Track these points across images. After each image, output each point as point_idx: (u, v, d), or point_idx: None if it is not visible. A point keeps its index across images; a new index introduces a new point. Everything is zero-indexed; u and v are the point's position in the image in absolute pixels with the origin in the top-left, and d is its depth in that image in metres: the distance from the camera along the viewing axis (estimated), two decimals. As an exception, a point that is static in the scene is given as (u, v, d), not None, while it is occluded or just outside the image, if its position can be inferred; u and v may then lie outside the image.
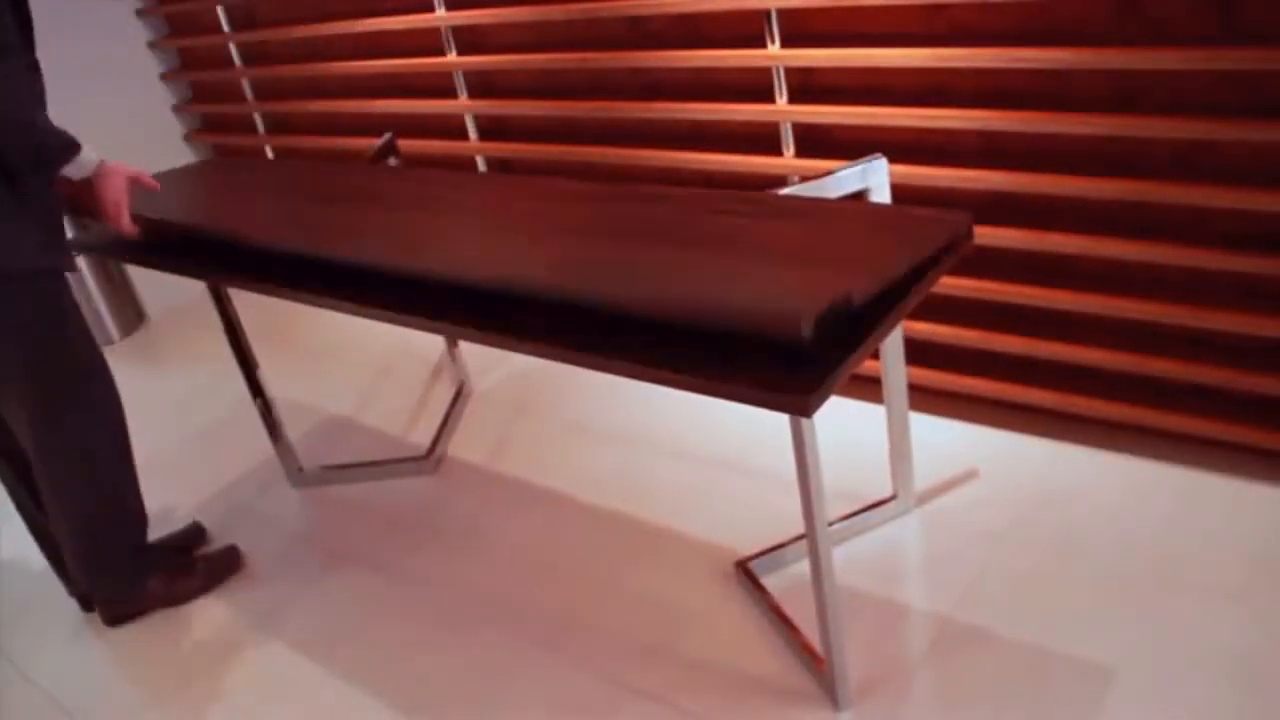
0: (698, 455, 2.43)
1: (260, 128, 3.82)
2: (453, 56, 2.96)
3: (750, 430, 2.46)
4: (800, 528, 2.05)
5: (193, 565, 2.34)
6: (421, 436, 2.74)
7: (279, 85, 3.73)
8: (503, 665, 1.96)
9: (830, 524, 2.05)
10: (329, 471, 2.66)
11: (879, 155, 1.81)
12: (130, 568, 2.24)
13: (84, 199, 2.08)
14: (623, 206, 1.81)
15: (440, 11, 2.90)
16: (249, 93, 3.78)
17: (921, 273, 1.47)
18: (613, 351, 1.45)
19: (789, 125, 2.36)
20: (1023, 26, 2.00)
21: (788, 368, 1.32)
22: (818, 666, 1.77)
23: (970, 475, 2.17)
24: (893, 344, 1.90)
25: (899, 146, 2.27)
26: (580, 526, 2.28)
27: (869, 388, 2.47)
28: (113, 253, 2.34)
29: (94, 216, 2.11)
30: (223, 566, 2.36)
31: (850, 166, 1.80)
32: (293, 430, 2.74)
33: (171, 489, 2.74)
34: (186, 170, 2.69)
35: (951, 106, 2.10)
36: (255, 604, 2.27)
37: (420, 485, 2.56)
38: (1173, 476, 2.05)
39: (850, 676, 1.76)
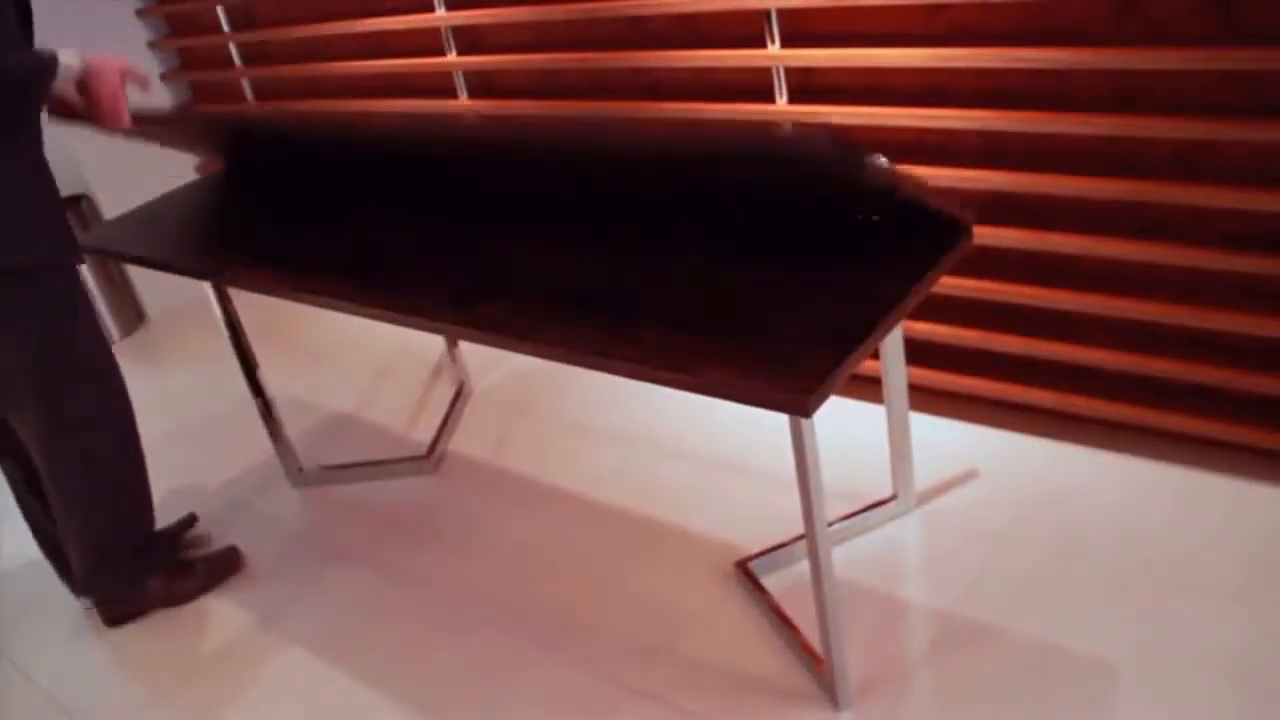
0: (698, 455, 2.43)
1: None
2: (453, 56, 2.96)
3: (750, 430, 2.46)
4: (800, 528, 2.05)
5: (192, 565, 2.34)
6: (421, 436, 2.74)
7: (279, 85, 3.73)
8: (503, 665, 1.96)
9: (830, 524, 2.05)
10: (329, 471, 2.66)
11: (879, 155, 1.80)
12: (131, 568, 2.25)
13: (76, 107, 1.95)
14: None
15: (440, 11, 2.90)
16: (249, 93, 3.78)
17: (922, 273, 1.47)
18: (613, 351, 1.45)
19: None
20: (1023, 26, 2.00)
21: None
22: (818, 666, 1.77)
23: (970, 475, 2.17)
24: (893, 344, 1.90)
25: (899, 146, 2.27)
26: (580, 526, 2.28)
27: (869, 388, 2.47)
28: (112, 254, 2.34)
29: (92, 120, 1.97)
30: (223, 567, 2.36)
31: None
32: (293, 430, 2.74)
33: (171, 489, 2.74)
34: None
35: (951, 106, 2.10)
36: (255, 604, 2.27)
37: (420, 485, 2.56)
38: (1173, 476, 2.05)
39: (850, 676, 1.76)
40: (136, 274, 3.82)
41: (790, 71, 2.32)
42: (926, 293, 1.49)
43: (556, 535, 2.27)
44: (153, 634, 2.25)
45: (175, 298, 3.87)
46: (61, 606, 2.37)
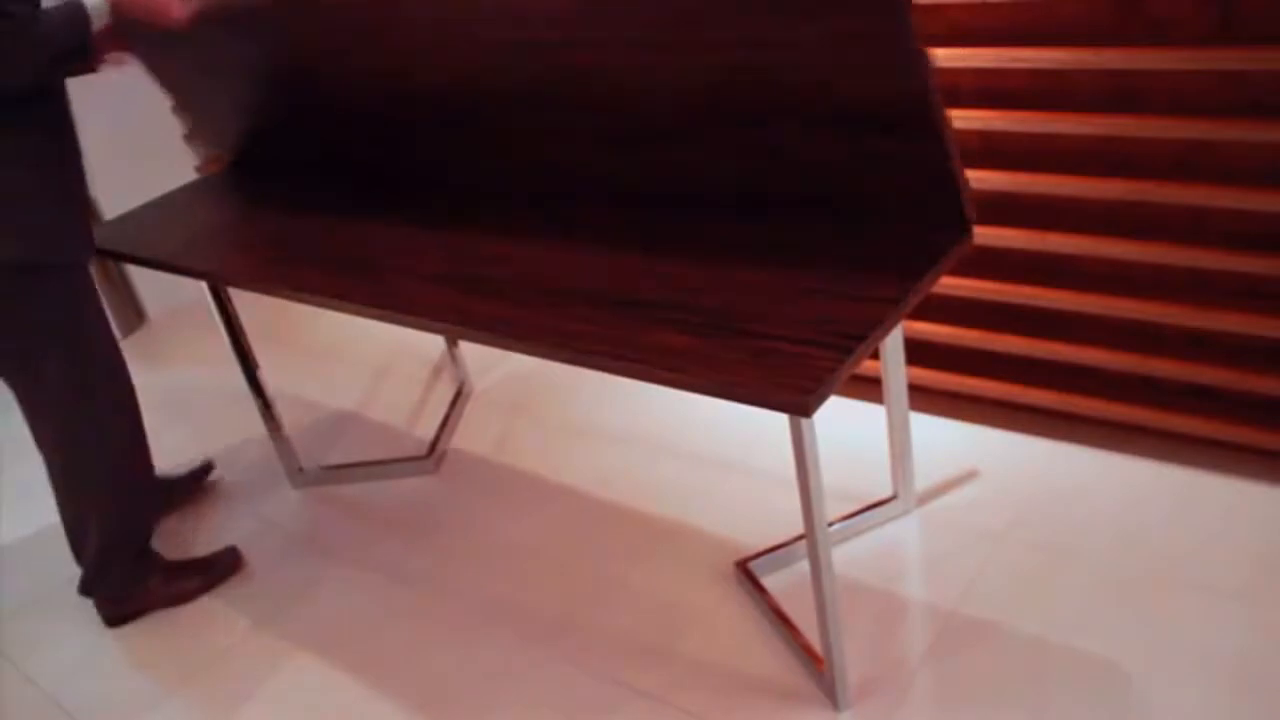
0: (698, 455, 2.43)
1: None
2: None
3: (750, 430, 2.46)
4: (800, 528, 2.05)
5: (192, 565, 2.34)
6: (422, 436, 2.74)
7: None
8: (502, 664, 1.96)
9: (830, 524, 2.05)
10: (329, 471, 2.66)
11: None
12: (134, 568, 2.25)
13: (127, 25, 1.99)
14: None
15: (440, 11, 2.89)
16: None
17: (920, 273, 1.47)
18: (613, 351, 1.45)
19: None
20: (1023, 26, 2.00)
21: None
22: (818, 666, 1.77)
23: (970, 475, 2.17)
24: (893, 344, 1.90)
25: (899, 146, 2.27)
26: (580, 526, 2.28)
27: (869, 388, 2.47)
28: (112, 254, 2.34)
29: (149, 26, 2.00)
30: (223, 567, 2.36)
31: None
32: (293, 430, 2.74)
33: (172, 489, 2.75)
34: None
35: (951, 106, 2.10)
36: (255, 604, 2.27)
37: (421, 485, 2.56)
38: (1173, 476, 2.05)
39: (850, 676, 1.76)
40: (136, 274, 3.82)
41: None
42: (926, 292, 1.49)
43: (556, 535, 2.27)
44: (153, 633, 2.25)
45: (175, 298, 3.87)
46: (61, 606, 2.37)
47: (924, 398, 2.40)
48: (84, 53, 1.92)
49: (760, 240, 1.62)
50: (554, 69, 1.78)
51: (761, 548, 2.07)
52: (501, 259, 1.78)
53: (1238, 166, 1.88)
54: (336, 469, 2.66)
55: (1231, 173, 1.88)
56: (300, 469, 2.65)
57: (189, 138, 4.11)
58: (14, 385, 2.04)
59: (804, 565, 2.00)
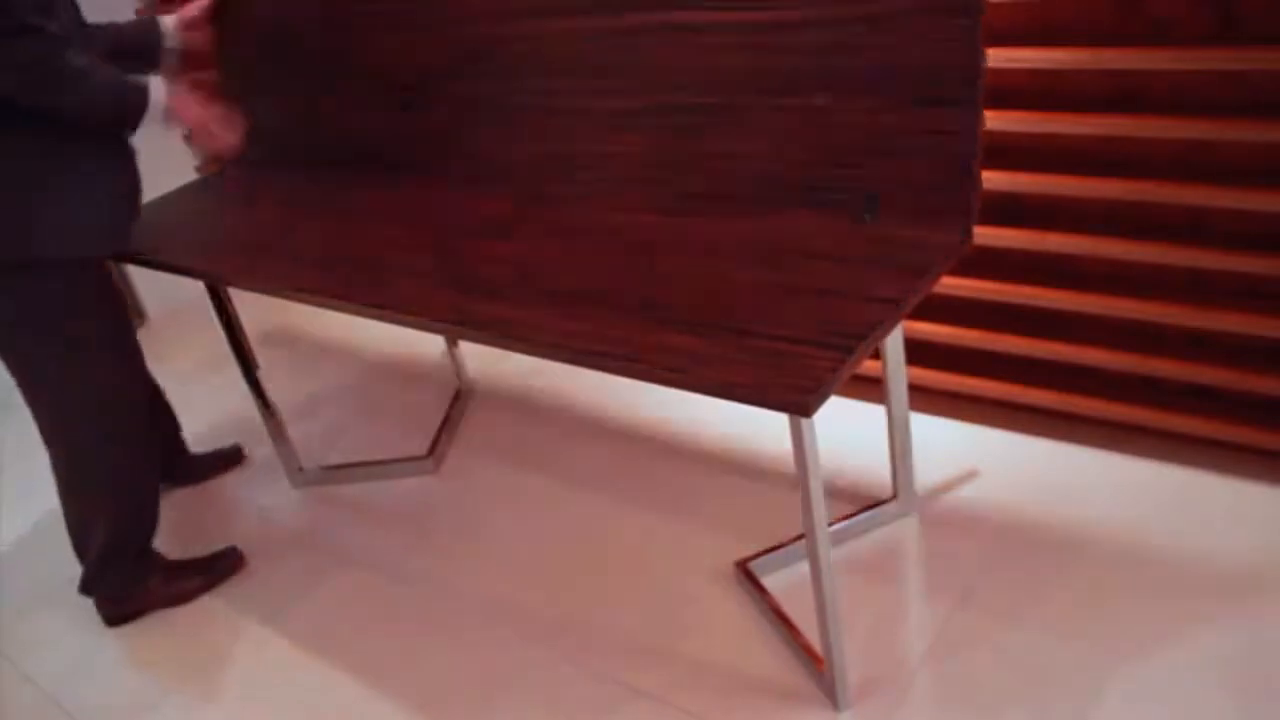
0: (698, 455, 2.43)
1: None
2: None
3: (750, 430, 2.46)
4: (800, 528, 2.05)
5: (192, 565, 2.34)
6: (422, 436, 2.74)
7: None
8: (502, 664, 1.96)
9: (830, 524, 2.05)
10: (329, 471, 2.66)
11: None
12: (134, 568, 2.25)
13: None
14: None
15: (440, 11, 2.89)
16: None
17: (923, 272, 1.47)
18: (613, 351, 1.45)
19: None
20: (1023, 26, 2.00)
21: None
22: (818, 666, 1.77)
23: (970, 475, 2.17)
24: (893, 344, 1.90)
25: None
26: (580, 526, 2.28)
27: (869, 388, 2.47)
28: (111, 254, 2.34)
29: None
30: (223, 567, 2.36)
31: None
32: (293, 430, 2.74)
33: (171, 488, 2.74)
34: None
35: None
36: (255, 604, 2.27)
37: (420, 485, 2.56)
38: (1173, 476, 2.05)
39: (850, 676, 1.76)
40: (136, 274, 3.81)
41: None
42: (927, 292, 1.49)
43: (556, 535, 2.27)
44: (153, 633, 2.25)
45: (175, 298, 3.87)
46: (61, 606, 2.37)
47: (924, 398, 2.39)
48: (121, 126, 2.00)
49: (761, 240, 1.62)
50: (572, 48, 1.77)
51: (761, 548, 2.07)
52: (501, 259, 1.78)
53: (1238, 166, 1.88)
54: (336, 469, 2.66)
55: (1231, 173, 1.87)
56: (300, 469, 2.65)
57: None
58: (18, 382, 2.05)
59: (804, 565, 2.00)
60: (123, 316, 2.14)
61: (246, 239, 2.15)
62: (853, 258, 1.52)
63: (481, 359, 3.04)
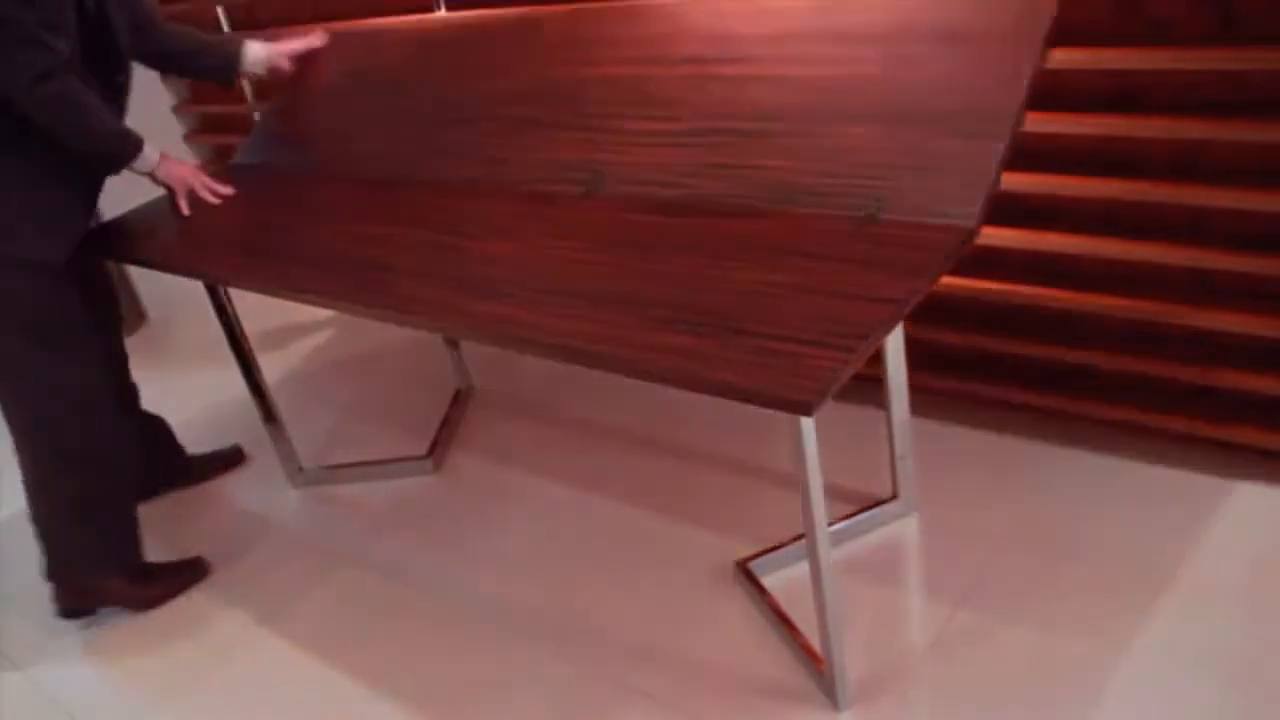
0: (698, 454, 2.43)
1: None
2: (453, 56, 2.96)
3: (750, 430, 2.46)
4: (800, 528, 2.05)
5: (158, 571, 2.34)
6: (422, 436, 2.74)
7: (279, 85, 3.72)
8: (502, 665, 1.96)
9: (831, 524, 2.05)
10: (329, 471, 2.66)
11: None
12: (97, 565, 2.24)
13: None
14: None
15: (441, 12, 2.89)
16: (248, 93, 3.78)
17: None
18: (613, 351, 1.45)
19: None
20: (1023, 26, 2.00)
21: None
22: (818, 666, 1.77)
23: (970, 476, 2.17)
24: (894, 344, 1.90)
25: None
26: (580, 526, 2.28)
27: (869, 388, 2.47)
28: (112, 254, 2.34)
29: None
30: (188, 575, 2.35)
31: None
32: (293, 430, 2.74)
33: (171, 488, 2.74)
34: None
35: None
36: (255, 604, 2.27)
37: (421, 485, 2.56)
38: (1173, 477, 2.05)
39: (850, 676, 1.76)
40: (136, 274, 3.82)
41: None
42: (927, 292, 1.49)
43: (556, 535, 2.27)
44: (153, 634, 2.25)
45: (175, 298, 3.87)
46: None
47: (924, 398, 2.39)
48: (105, 165, 2.18)
49: (761, 240, 1.62)
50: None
51: (761, 548, 2.07)
52: (501, 259, 1.78)
53: (1238, 166, 1.88)
54: (336, 469, 2.66)
55: (1231, 173, 1.87)
56: (300, 469, 2.65)
57: (189, 137, 4.11)
58: None
59: (804, 565, 2.00)
60: (88, 319, 2.15)
61: (246, 239, 2.15)
62: (853, 258, 1.51)
63: (482, 358, 3.04)
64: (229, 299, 2.44)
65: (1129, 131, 1.90)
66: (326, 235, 2.05)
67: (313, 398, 3.08)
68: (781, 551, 2.04)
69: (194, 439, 2.86)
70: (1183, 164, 1.94)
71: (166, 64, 2.44)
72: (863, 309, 1.40)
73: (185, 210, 2.30)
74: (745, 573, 2.02)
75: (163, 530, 2.58)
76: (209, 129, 4.11)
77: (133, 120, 2.23)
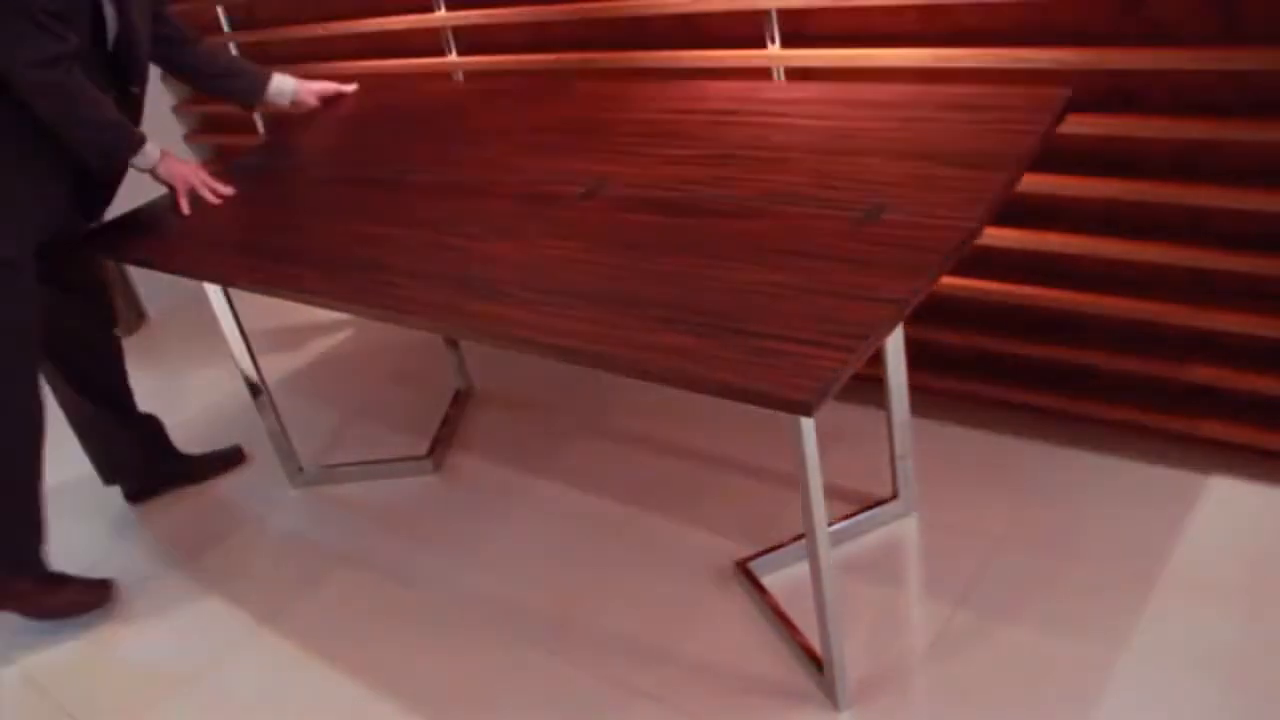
0: (698, 454, 2.43)
1: (260, 128, 3.82)
2: (454, 57, 2.96)
3: (750, 430, 2.46)
4: (800, 528, 2.05)
5: (66, 582, 2.31)
6: (422, 436, 2.74)
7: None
8: (502, 665, 1.96)
9: (831, 524, 2.05)
10: (329, 471, 2.66)
11: (879, 155, 1.80)
12: (11, 564, 2.23)
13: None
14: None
15: (441, 11, 2.90)
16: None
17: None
18: (613, 351, 1.45)
19: (789, 125, 2.36)
20: (1023, 26, 2.00)
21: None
22: (818, 666, 1.77)
23: (970, 476, 2.17)
24: (894, 343, 1.90)
25: (899, 146, 2.27)
26: (580, 526, 2.28)
27: (869, 388, 2.47)
28: (112, 254, 2.34)
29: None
30: (95, 595, 2.32)
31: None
32: (293, 430, 2.74)
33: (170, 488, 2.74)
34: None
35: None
36: (255, 604, 2.27)
37: (420, 485, 2.56)
38: (1173, 477, 2.05)
39: (850, 676, 1.76)
40: (136, 274, 3.82)
41: (790, 71, 2.32)
42: (927, 292, 1.49)
43: (556, 535, 2.27)
44: (152, 634, 2.25)
45: (175, 298, 3.87)
46: (61, 606, 2.37)
47: (924, 398, 2.40)
48: (104, 159, 2.18)
49: (761, 240, 1.62)
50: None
51: (761, 548, 2.07)
52: (501, 259, 1.78)
53: (1238, 166, 1.88)
54: (336, 469, 2.66)
55: (1231, 173, 1.88)
56: (300, 469, 2.65)
57: (189, 137, 4.11)
58: None
59: (804, 565, 2.00)
60: (23, 321, 2.14)
61: (246, 239, 2.15)
62: (853, 258, 1.52)
63: (482, 358, 3.04)
64: (229, 299, 2.44)
65: (1129, 131, 1.90)
66: (326, 235, 2.05)
67: (313, 398, 3.08)
68: (781, 551, 2.05)
69: (194, 439, 2.86)
70: (1183, 164, 1.94)
71: (191, 80, 2.49)
72: (863, 309, 1.40)
73: (186, 209, 2.30)
74: (745, 573, 2.02)
75: (163, 530, 2.58)
76: (209, 129, 4.11)
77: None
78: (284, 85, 2.52)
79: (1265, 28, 1.75)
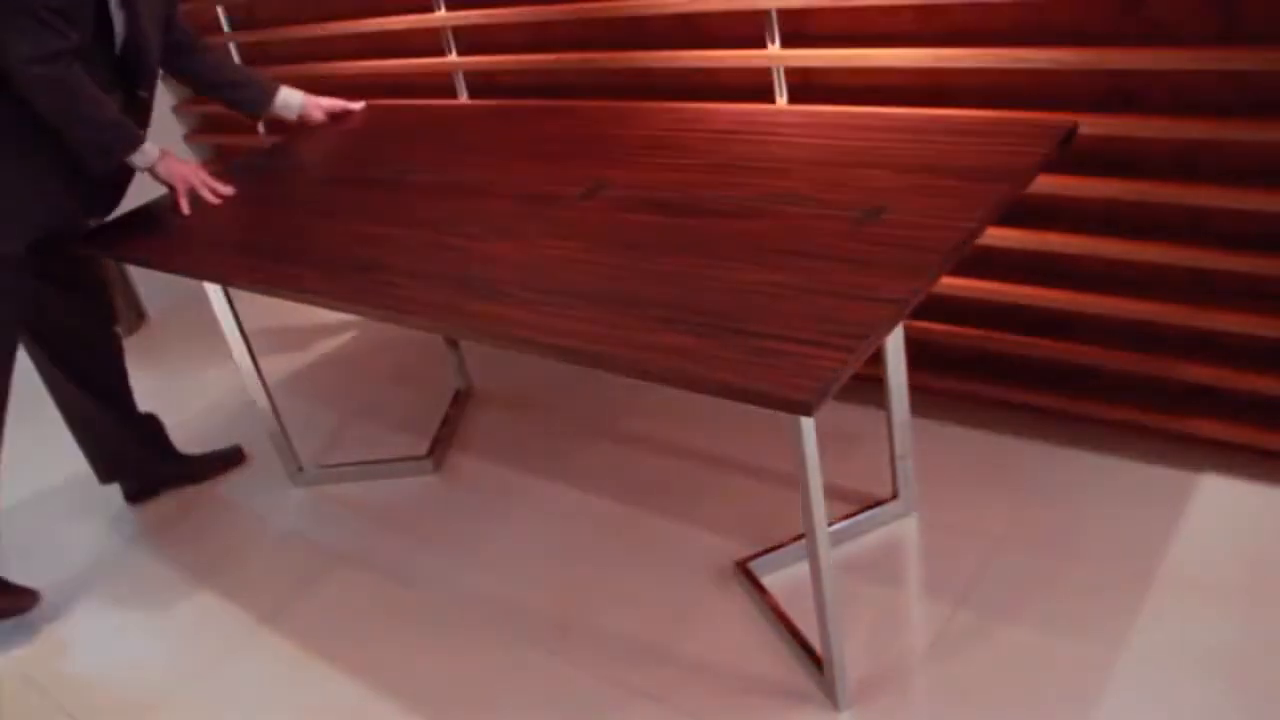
0: (698, 454, 2.43)
1: (260, 128, 3.82)
2: (453, 57, 2.96)
3: (750, 430, 2.46)
4: (800, 528, 2.05)
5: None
6: (422, 436, 2.74)
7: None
8: (502, 665, 1.96)
9: (831, 524, 2.05)
10: (329, 471, 2.66)
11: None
12: None
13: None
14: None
15: (441, 11, 2.90)
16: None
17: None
18: (613, 351, 1.45)
19: (789, 125, 2.36)
20: (1023, 26, 2.00)
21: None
22: (818, 666, 1.77)
23: (971, 476, 2.17)
24: (894, 343, 1.90)
25: (899, 146, 2.27)
26: (580, 526, 2.28)
27: (869, 388, 2.47)
28: (112, 254, 2.34)
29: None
30: (13, 603, 2.30)
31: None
32: (293, 430, 2.74)
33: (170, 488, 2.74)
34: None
35: (952, 106, 2.10)
36: (255, 603, 2.27)
37: (420, 485, 2.56)
38: (1173, 476, 2.05)
39: (850, 676, 1.76)
40: (136, 274, 3.82)
41: (790, 72, 2.32)
42: (927, 292, 1.49)
43: (556, 535, 2.27)
44: (151, 633, 2.25)
45: (175, 298, 3.87)
46: (60, 605, 2.37)
47: (924, 398, 2.40)
48: (102, 156, 2.16)
49: (761, 240, 1.62)
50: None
51: (761, 548, 2.07)
52: (501, 259, 1.78)
53: (1238, 166, 1.88)
54: (336, 469, 2.66)
55: (1231, 173, 1.88)
56: (300, 469, 2.65)
57: (189, 137, 4.11)
58: None
59: (804, 565, 2.00)
60: (10, 320, 2.17)
61: (246, 239, 2.15)
62: (853, 258, 1.52)
63: (482, 358, 3.04)
64: (230, 299, 2.44)
65: (1129, 131, 1.90)
66: (326, 235, 2.05)
67: (312, 397, 3.08)
68: (781, 551, 2.04)
69: (194, 439, 2.86)
70: (1183, 164, 1.94)
71: (199, 87, 2.49)
72: (863, 309, 1.40)
73: (185, 209, 2.30)
74: (745, 572, 2.02)
75: (163, 530, 2.58)
76: (209, 129, 4.11)
77: (133, 118, 2.23)
78: (291, 99, 2.52)
79: (1265, 28, 1.75)
